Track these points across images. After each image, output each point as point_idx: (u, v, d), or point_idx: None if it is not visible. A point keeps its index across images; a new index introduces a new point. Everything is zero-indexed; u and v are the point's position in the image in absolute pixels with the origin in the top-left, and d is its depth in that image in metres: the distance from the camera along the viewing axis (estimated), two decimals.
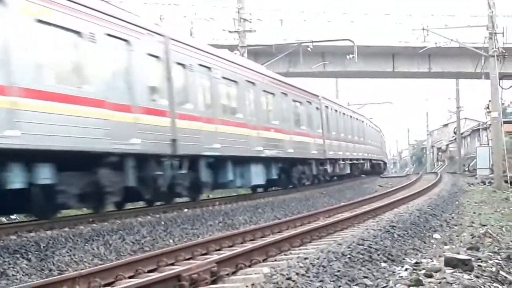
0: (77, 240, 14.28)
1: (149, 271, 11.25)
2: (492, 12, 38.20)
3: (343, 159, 45.27)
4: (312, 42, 43.88)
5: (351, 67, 52.04)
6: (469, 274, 9.91)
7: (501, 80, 41.81)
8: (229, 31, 41.51)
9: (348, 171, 47.33)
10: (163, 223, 17.76)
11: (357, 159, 51.97)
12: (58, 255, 12.84)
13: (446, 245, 13.98)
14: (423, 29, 43.90)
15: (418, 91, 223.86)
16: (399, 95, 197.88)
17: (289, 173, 32.82)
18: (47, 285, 9.51)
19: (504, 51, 39.47)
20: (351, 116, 51.86)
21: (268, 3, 59.05)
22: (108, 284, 10.30)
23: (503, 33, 40.75)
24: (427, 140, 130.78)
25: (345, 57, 46.44)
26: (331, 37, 48.50)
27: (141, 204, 22.54)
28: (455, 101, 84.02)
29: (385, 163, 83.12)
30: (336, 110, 45.11)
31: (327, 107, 41.78)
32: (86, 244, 14.02)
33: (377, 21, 57.65)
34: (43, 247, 13.30)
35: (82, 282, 9.84)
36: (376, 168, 67.02)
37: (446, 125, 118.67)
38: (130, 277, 10.75)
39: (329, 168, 40.08)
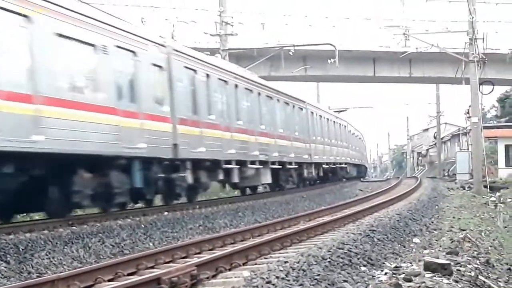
0: (56, 243, 14.20)
1: (129, 274, 11.22)
2: (472, 18, 38.39)
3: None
4: (294, 46, 43.93)
5: (332, 71, 52.15)
6: (448, 279, 9.96)
7: (481, 86, 42.06)
8: (211, 34, 41.50)
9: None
10: (143, 226, 17.71)
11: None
12: (37, 257, 12.77)
13: (425, 249, 14.03)
14: (404, 34, 44.10)
15: (399, 96, 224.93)
16: (380, 100, 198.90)
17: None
18: (26, 287, 9.46)
19: (484, 57, 39.68)
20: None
21: (249, 6, 59.04)
22: (88, 287, 10.25)
23: (483, 38, 40.98)
24: (407, 145, 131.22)
25: (327, 61, 46.54)
26: (312, 41, 48.64)
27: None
28: (435, 106, 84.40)
29: (365, 167, 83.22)
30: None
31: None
32: (66, 247, 13.95)
33: (358, 26, 57.77)
34: (22, 249, 13.22)
35: (61, 285, 9.79)
36: (358, 172, 67.19)
37: (426, 129, 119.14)
38: (109, 280, 10.71)
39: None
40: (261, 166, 30.38)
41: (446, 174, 72.87)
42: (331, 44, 44.75)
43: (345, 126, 57.99)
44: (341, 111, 69.98)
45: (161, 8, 51.61)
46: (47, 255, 13.09)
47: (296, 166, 37.55)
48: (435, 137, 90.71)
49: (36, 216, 19.88)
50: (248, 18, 54.47)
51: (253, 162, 29.18)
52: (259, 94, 31.63)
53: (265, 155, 30.59)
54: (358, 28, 56.99)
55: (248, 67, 39.40)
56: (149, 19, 40.62)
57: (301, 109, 40.15)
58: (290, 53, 43.58)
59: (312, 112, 43.49)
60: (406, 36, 44.30)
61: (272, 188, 35.02)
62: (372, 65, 59.25)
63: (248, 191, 32.69)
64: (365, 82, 70.30)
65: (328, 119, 50.93)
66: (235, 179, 27.62)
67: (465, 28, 39.60)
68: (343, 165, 54.12)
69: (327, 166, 45.94)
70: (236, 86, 28.49)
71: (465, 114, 58.36)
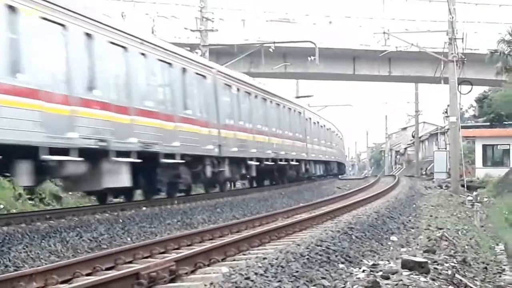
0: (34, 237, 14.16)
1: (107, 269, 11.19)
2: (452, 17, 38.58)
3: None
4: (274, 43, 44.02)
5: (312, 68, 52.26)
6: (425, 277, 10.02)
7: (459, 85, 42.26)
8: (191, 30, 41.46)
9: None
10: (121, 221, 17.69)
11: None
12: (14, 251, 12.72)
13: (403, 247, 14.09)
14: (384, 33, 44.26)
15: (378, 94, 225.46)
16: (359, 98, 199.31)
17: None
18: (3, 281, 9.41)
19: (463, 57, 39.90)
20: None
21: (230, 3, 58.91)
22: (65, 281, 10.21)
23: (462, 38, 41.21)
24: (386, 143, 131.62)
25: (307, 58, 46.64)
26: (293, 39, 48.70)
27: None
28: (414, 105, 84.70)
29: (344, 165, 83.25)
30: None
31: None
32: (43, 241, 13.90)
33: (338, 24, 57.80)
34: None
35: (39, 279, 9.75)
36: (327, 170, 66.52)
37: (404, 128, 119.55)
38: (87, 275, 10.67)
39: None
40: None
41: (424, 173, 73.16)
42: (311, 42, 44.87)
43: (300, 113, 46.87)
44: (304, 97, 68.88)
45: (142, 3, 51.25)
46: (24, 248, 13.04)
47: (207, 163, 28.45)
48: (413, 136, 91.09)
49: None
50: (229, 15, 54.18)
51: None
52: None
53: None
54: (339, 26, 56.94)
55: (228, 63, 39.39)
56: (130, 13, 40.56)
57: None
58: (270, 50, 43.65)
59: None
60: (386, 35, 44.45)
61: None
62: (352, 63, 59.40)
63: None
64: (344, 80, 70.43)
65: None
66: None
67: (445, 28, 39.80)
68: (294, 162, 42.09)
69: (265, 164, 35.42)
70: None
71: (443, 113, 58.78)
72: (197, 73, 27.18)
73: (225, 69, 33.30)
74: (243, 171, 32.51)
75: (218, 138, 28.46)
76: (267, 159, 35.47)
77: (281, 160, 38.25)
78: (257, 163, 33.72)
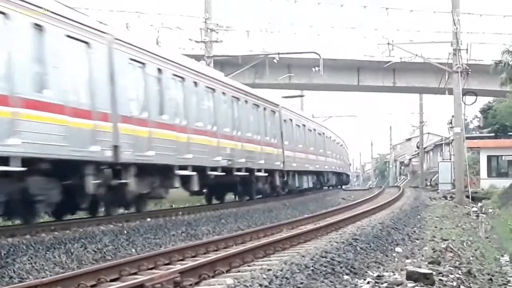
0: (39, 248, 14.15)
1: (112, 280, 11.19)
2: (456, 28, 38.57)
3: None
4: (279, 54, 44.03)
5: (316, 79, 52.25)
6: None
7: (464, 96, 42.26)
8: (196, 41, 41.50)
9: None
10: (125, 232, 17.67)
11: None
12: (19, 262, 12.71)
13: (408, 258, 14.06)
14: (388, 43, 44.26)
15: (382, 105, 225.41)
16: (363, 109, 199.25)
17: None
18: None
19: (467, 68, 39.89)
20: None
21: (235, 14, 59.08)
22: None
23: (467, 49, 41.26)
24: (390, 154, 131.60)
25: (311, 69, 46.64)
26: (297, 50, 48.72)
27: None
28: (418, 116, 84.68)
29: (347, 175, 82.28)
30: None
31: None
32: (48, 252, 13.89)
33: (343, 34, 57.90)
34: (4, 254, 13.16)
35: None
36: (340, 180, 66.22)
37: (409, 139, 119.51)
38: (92, 286, 10.69)
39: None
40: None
41: (429, 183, 73.06)
42: (315, 53, 44.87)
43: (273, 112, 38.64)
44: (293, 97, 65.37)
45: (146, 14, 51.38)
46: (29, 260, 13.03)
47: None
48: (418, 147, 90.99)
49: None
50: (233, 26, 54.26)
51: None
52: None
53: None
54: (343, 37, 57.03)
55: (232, 74, 39.41)
56: (134, 24, 40.64)
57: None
58: (275, 60, 43.67)
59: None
60: (390, 46, 44.46)
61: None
62: (356, 74, 59.40)
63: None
64: (349, 90, 70.43)
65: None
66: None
67: (449, 39, 39.82)
68: (262, 173, 34.40)
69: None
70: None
71: (448, 124, 58.70)
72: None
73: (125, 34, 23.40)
74: (174, 184, 24.09)
75: (113, 135, 19.59)
76: (214, 169, 27.40)
77: (240, 170, 30.44)
78: (194, 173, 25.15)
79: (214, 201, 32.27)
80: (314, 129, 51.96)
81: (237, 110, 31.32)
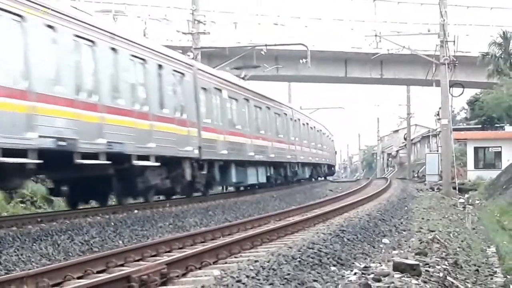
0: (25, 240, 14.12)
1: (98, 272, 11.16)
2: (444, 20, 38.66)
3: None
4: (266, 45, 43.94)
5: (304, 71, 52.23)
6: (417, 279, 10.02)
7: (451, 88, 42.40)
8: (183, 33, 41.40)
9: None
10: (112, 224, 17.66)
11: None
12: (5, 254, 12.67)
13: (394, 250, 14.09)
14: (375, 35, 44.33)
15: (370, 97, 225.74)
16: (351, 100, 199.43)
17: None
18: None
19: (455, 59, 40.00)
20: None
21: (222, 5, 58.97)
22: (57, 285, 10.19)
23: (454, 41, 41.32)
24: (378, 146, 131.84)
25: (298, 61, 46.57)
26: (284, 41, 48.68)
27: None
28: (406, 108, 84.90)
29: (332, 166, 75.03)
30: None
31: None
32: (34, 244, 13.87)
33: (330, 26, 57.78)
34: None
35: (30, 282, 9.72)
36: (318, 172, 61.46)
37: (396, 131, 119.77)
38: (79, 278, 10.65)
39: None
40: None
41: (416, 175, 73.32)
42: (303, 44, 44.83)
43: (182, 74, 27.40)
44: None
45: (133, 6, 51.20)
46: (15, 252, 13.00)
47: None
48: (405, 139, 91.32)
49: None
50: (221, 17, 54.17)
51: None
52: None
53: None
54: (330, 28, 56.90)
55: (220, 66, 39.35)
56: (121, 16, 40.49)
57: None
58: (262, 52, 43.60)
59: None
60: (377, 38, 44.52)
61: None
62: (344, 66, 59.48)
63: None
64: (336, 82, 70.58)
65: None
66: None
67: (437, 31, 39.89)
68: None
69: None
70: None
71: (435, 116, 58.84)
72: None
73: None
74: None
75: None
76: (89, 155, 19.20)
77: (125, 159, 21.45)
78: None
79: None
80: (268, 108, 40.22)
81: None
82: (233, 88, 33.63)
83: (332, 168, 75.00)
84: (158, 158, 23.10)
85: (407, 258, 11.47)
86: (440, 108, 43.33)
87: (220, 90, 31.24)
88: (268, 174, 39.34)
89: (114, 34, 21.45)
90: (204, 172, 28.12)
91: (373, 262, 11.92)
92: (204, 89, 29.09)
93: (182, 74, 26.61)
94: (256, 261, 10.95)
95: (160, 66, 24.42)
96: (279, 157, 41.00)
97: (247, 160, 34.12)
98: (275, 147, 40.09)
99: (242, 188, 36.20)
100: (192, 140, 26.60)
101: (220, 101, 31.20)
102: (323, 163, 62.85)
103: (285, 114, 45.42)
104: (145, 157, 22.40)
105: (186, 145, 25.86)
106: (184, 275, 10.62)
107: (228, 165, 31.54)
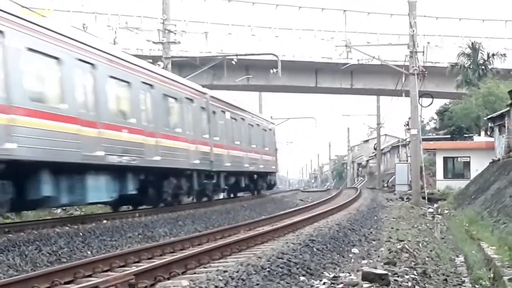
0: None
1: (66, 283, 11.09)
2: (413, 31, 38.87)
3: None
4: (237, 55, 43.99)
5: (275, 81, 52.41)
6: None
7: (420, 98, 42.68)
8: (154, 42, 41.33)
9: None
10: (81, 234, 17.52)
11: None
12: None
13: (364, 259, 14.12)
14: (345, 46, 44.50)
15: (340, 107, 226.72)
16: (322, 110, 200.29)
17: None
18: None
19: (424, 70, 40.20)
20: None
21: (193, 15, 59.00)
22: None
23: (423, 52, 41.64)
24: (348, 156, 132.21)
25: (269, 71, 46.68)
26: (255, 51, 48.77)
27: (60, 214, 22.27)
28: (375, 118, 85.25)
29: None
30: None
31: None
32: (1, 255, 13.72)
33: (301, 36, 58.01)
34: None
35: None
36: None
37: (366, 141, 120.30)
38: None
39: None
40: None
41: (386, 185, 73.57)
42: (273, 54, 44.92)
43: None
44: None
45: (104, 15, 51.09)
46: None
47: None
48: (375, 149, 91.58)
49: None
50: (191, 27, 54.21)
51: None
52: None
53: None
54: (301, 39, 57.14)
55: (190, 76, 39.30)
56: (92, 25, 40.31)
57: None
58: (233, 62, 43.64)
59: None
60: (348, 48, 44.72)
61: None
62: (314, 76, 59.70)
63: None
64: (307, 92, 70.74)
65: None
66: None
67: (406, 41, 40.13)
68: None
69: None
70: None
71: (404, 126, 59.11)
72: None
73: None
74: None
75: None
76: None
77: None
78: None
79: None
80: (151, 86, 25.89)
81: None
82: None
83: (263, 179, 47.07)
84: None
85: (376, 268, 11.49)
86: (409, 118, 43.51)
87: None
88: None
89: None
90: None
91: (342, 272, 11.94)
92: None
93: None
94: (225, 271, 10.92)
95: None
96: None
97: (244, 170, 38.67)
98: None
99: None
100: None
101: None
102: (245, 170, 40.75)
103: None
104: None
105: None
106: (152, 285, 10.58)
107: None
